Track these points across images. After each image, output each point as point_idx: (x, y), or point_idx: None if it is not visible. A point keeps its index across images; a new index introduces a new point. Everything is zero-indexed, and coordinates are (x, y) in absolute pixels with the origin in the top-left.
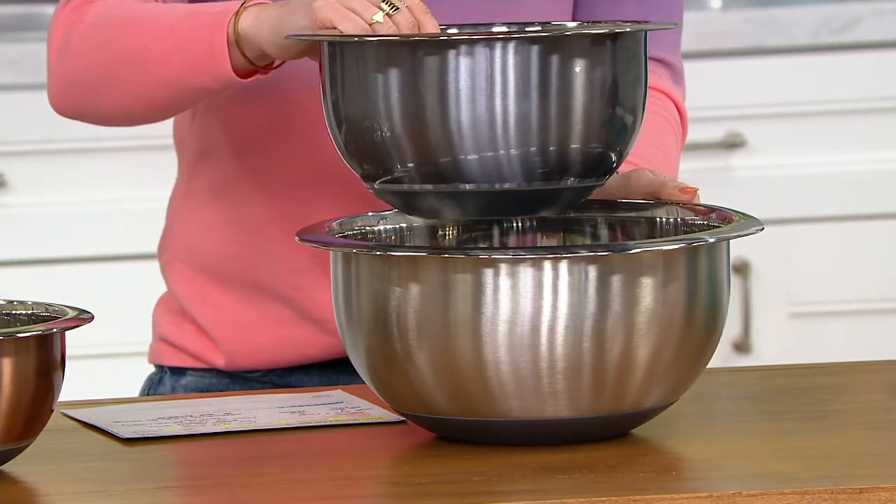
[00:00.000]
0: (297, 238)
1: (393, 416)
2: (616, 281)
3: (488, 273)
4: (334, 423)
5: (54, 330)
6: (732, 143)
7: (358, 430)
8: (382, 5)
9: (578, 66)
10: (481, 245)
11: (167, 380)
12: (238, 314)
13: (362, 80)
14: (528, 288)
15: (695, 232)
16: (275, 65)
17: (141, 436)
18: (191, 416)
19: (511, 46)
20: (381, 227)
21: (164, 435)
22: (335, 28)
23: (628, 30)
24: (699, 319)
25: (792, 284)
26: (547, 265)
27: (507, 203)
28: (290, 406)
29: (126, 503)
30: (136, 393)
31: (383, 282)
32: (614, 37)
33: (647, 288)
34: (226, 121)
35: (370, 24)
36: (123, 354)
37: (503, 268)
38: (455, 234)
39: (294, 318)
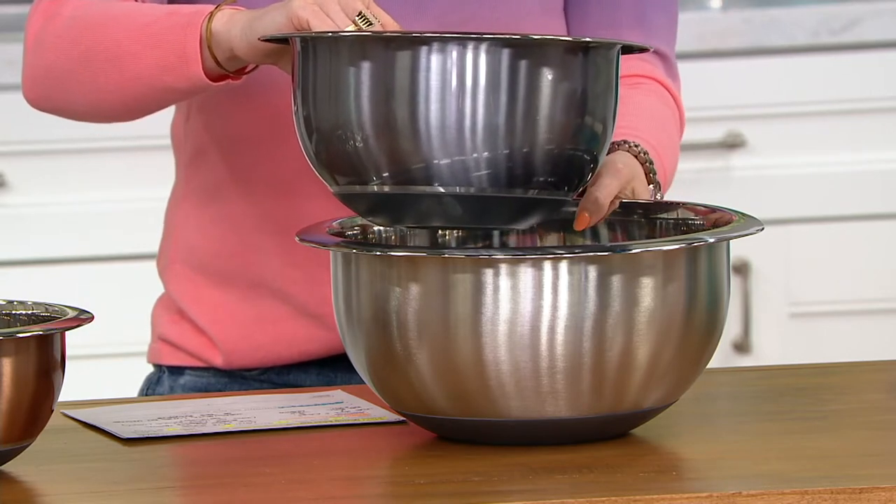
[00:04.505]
0: (297, 238)
1: (393, 416)
2: (616, 281)
3: (488, 273)
4: (334, 423)
5: (54, 330)
6: (732, 143)
7: (358, 430)
8: (356, 19)
9: (549, 72)
10: (481, 245)
11: (165, 379)
12: (236, 312)
13: (333, 76)
14: (528, 288)
15: (694, 232)
16: (247, 70)
17: (141, 436)
18: (191, 416)
19: (483, 47)
20: (381, 227)
21: (164, 435)
22: (310, 28)
23: (602, 41)
24: (699, 319)
25: (792, 284)
26: (547, 265)
27: (470, 210)
28: (289, 406)
29: (126, 503)
30: (135, 393)
31: (383, 282)
32: (586, 48)
33: (648, 288)
34: (217, 121)
35: None
36: (123, 354)
37: (503, 268)
38: (455, 234)
39: (292, 315)
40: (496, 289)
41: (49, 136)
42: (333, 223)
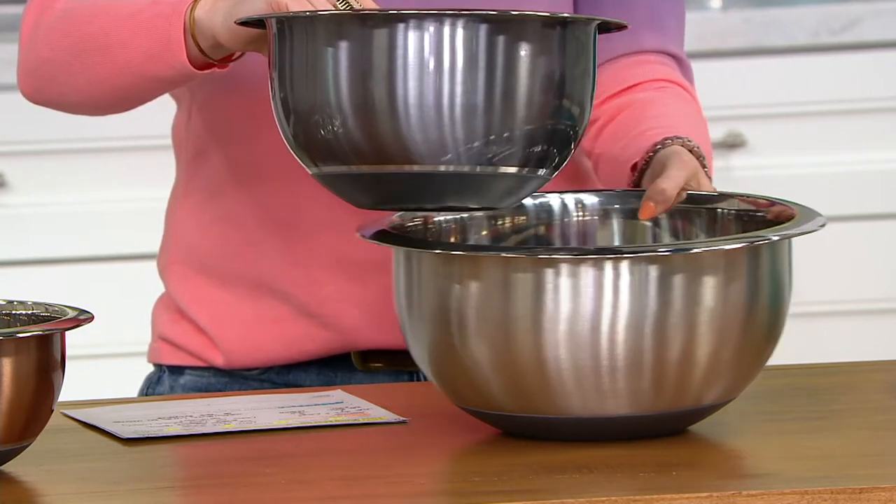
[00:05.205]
0: (358, 234)
1: (393, 417)
2: (677, 280)
3: (549, 272)
4: (334, 423)
5: (54, 330)
6: (732, 143)
7: (358, 430)
8: (337, 3)
9: (527, 47)
10: (540, 232)
11: (166, 379)
12: (237, 313)
13: (310, 56)
14: (589, 287)
15: (756, 225)
16: (233, 57)
17: (141, 436)
18: (191, 416)
19: (460, 23)
20: (442, 218)
21: (164, 435)
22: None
23: (580, 17)
24: (760, 317)
25: (792, 284)
26: (608, 265)
27: (452, 190)
28: (289, 406)
29: (126, 503)
30: (135, 393)
31: (444, 279)
32: (564, 23)
33: (708, 287)
34: (218, 120)
35: None
36: (123, 354)
37: (564, 268)
38: (513, 224)
39: (293, 315)
40: (556, 288)
41: (49, 136)
42: (393, 217)
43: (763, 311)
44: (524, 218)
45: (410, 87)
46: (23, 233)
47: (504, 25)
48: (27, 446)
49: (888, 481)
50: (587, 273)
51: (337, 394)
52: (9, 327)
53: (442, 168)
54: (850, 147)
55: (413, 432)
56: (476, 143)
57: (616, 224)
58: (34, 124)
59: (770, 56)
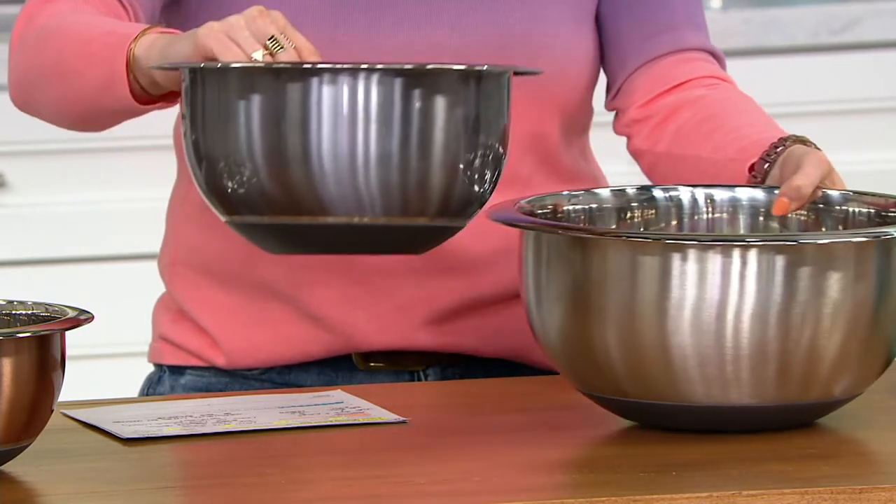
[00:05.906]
0: (488, 216)
1: (393, 417)
2: (804, 271)
3: (676, 257)
4: (334, 423)
5: (54, 330)
6: None
7: (358, 430)
8: (267, 42)
9: (441, 101)
10: (670, 227)
11: (166, 379)
12: (238, 314)
13: (222, 107)
14: (716, 274)
15: (887, 224)
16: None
17: (141, 436)
18: (191, 416)
19: (374, 78)
20: (571, 207)
21: (164, 435)
22: (215, 58)
23: (495, 70)
24: (890, 312)
25: None
26: (735, 252)
27: (364, 240)
28: (290, 406)
29: (126, 503)
30: (135, 393)
31: (572, 262)
32: (479, 76)
33: (835, 279)
34: None
35: (250, 59)
36: (123, 354)
37: (691, 253)
38: (642, 218)
39: (294, 317)
40: (683, 273)
41: (49, 136)
42: (522, 202)
43: (892, 306)
44: (653, 212)
45: (325, 142)
46: (23, 233)
47: (417, 80)
48: (27, 446)
49: (888, 481)
50: (714, 260)
51: (337, 394)
52: (9, 327)
53: (356, 220)
54: (850, 147)
55: (413, 432)
56: (390, 196)
57: (744, 220)
58: (34, 124)
59: (770, 56)
